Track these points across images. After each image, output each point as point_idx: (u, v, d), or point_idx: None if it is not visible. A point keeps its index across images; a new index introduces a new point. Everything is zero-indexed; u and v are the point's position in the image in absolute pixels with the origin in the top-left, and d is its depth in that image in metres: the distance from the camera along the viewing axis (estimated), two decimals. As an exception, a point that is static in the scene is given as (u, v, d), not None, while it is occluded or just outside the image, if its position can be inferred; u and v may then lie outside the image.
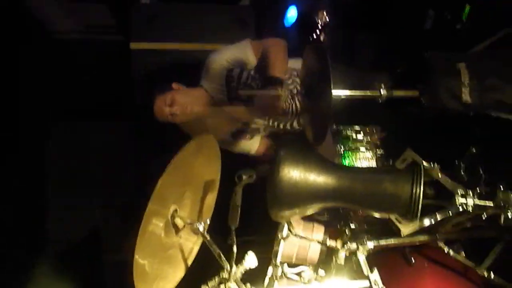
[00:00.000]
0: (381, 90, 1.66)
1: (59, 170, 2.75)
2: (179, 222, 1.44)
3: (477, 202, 1.54)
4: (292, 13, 2.62)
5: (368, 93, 1.67)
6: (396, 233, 1.62)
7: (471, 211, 1.55)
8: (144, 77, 2.40)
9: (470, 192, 1.56)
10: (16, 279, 2.38)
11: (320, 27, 2.10)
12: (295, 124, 2.04)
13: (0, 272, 2.31)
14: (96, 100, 2.76)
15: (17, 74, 2.66)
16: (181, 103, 1.96)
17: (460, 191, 1.56)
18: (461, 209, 1.55)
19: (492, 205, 1.52)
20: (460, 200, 1.55)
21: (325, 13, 2.29)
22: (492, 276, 1.68)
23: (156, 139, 2.41)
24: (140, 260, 1.33)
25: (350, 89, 1.64)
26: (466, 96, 1.59)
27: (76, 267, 2.56)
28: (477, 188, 1.58)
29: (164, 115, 1.98)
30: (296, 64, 2.01)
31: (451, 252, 1.74)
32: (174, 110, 1.96)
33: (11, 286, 2.35)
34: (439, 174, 1.60)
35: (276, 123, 2.05)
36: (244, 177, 1.37)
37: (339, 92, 1.60)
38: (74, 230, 2.67)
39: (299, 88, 1.91)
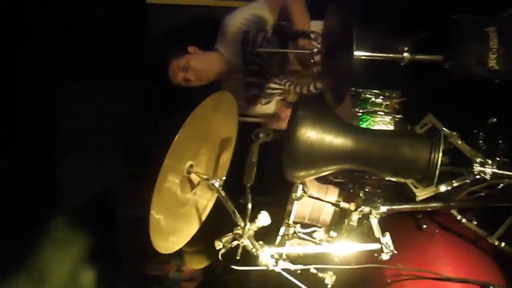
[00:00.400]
0: (404, 53, 1.62)
1: (72, 129, 2.76)
2: (194, 178, 1.45)
3: (496, 171, 1.53)
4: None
5: (391, 55, 1.63)
6: (410, 198, 1.63)
7: (488, 179, 1.54)
8: (160, 33, 2.36)
9: (489, 161, 1.54)
10: (30, 235, 2.45)
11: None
12: (311, 87, 2.01)
13: (15, 229, 2.37)
14: (109, 58, 2.72)
15: (24, 30, 2.60)
16: (195, 69, 1.94)
17: (478, 159, 1.55)
18: (478, 177, 1.54)
19: (510, 174, 1.50)
20: (478, 168, 1.54)
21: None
22: (503, 245, 1.69)
23: (168, 97, 2.40)
24: (156, 215, 1.35)
25: (372, 51, 1.60)
26: (492, 62, 1.54)
27: (90, 223, 2.61)
28: (496, 158, 1.56)
29: (178, 80, 1.96)
30: (312, 26, 1.95)
31: (463, 220, 1.74)
32: (188, 76, 1.94)
33: (27, 242, 2.42)
34: (459, 141, 1.58)
35: (293, 87, 2.02)
36: (261, 135, 1.37)
37: (361, 53, 1.56)
38: (88, 186, 2.72)
39: (317, 49, 1.87)
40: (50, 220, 2.55)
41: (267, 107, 2.12)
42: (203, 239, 1.58)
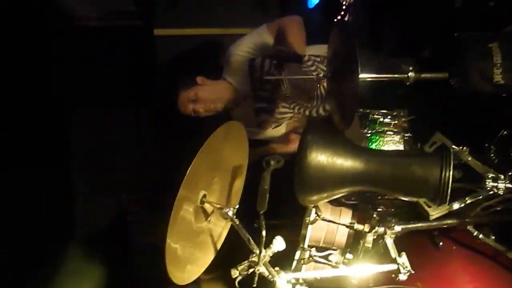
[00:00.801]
0: (409, 72, 1.63)
1: (85, 156, 2.80)
2: (208, 207, 1.46)
3: (508, 185, 1.52)
4: (315, -6, 2.57)
5: (396, 75, 1.64)
6: (424, 216, 1.62)
7: (501, 194, 1.53)
8: (168, 63, 2.41)
9: (501, 176, 1.54)
10: (44, 264, 2.46)
11: (344, 8, 2.06)
12: (320, 110, 2.03)
13: (30, 258, 2.38)
14: (118, 88, 2.78)
15: (39, 62, 2.67)
16: (204, 99, 1.97)
17: (490, 174, 1.54)
18: (491, 193, 1.53)
19: (524, 188, 1.50)
20: (490, 183, 1.53)
21: (349, -8, 2.24)
22: (523, 260, 1.67)
23: (179, 125, 2.44)
24: (172, 244, 1.36)
25: (377, 72, 1.62)
26: (498, 77, 1.55)
27: (103, 252, 2.63)
28: (509, 172, 1.55)
29: (187, 111, 1.99)
30: (318, 50, 1.98)
31: (480, 236, 1.72)
32: (198, 107, 1.97)
33: (40, 270, 2.43)
34: (469, 157, 1.58)
35: (301, 110, 2.04)
36: (272, 162, 1.38)
37: (366, 75, 1.58)
38: (101, 214, 2.74)
39: (323, 73, 1.89)
40: (61, 250, 2.57)
41: (277, 131, 2.14)
42: (219, 265, 1.59)
